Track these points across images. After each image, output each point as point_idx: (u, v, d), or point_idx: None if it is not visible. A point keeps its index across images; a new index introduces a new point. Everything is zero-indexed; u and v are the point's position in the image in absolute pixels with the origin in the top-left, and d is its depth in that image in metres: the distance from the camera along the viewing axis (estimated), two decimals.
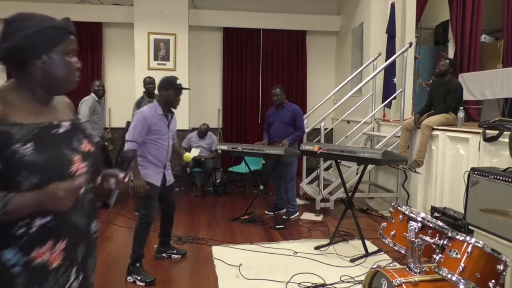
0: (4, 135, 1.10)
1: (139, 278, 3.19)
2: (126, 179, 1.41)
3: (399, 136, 5.03)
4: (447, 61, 4.68)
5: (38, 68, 1.20)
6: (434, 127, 4.47)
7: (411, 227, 2.34)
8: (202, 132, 6.34)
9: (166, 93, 3.29)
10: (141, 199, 3.31)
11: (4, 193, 1.10)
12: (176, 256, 3.69)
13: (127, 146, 3.21)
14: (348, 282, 3.18)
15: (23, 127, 1.15)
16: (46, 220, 1.17)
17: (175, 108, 3.38)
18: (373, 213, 5.18)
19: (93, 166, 1.31)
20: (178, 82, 3.32)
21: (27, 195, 1.11)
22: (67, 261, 1.22)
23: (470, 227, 3.02)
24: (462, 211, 3.25)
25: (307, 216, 5.07)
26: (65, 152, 1.22)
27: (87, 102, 5.27)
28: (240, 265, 3.49)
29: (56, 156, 1.19)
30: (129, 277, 3.24)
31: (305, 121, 5.13)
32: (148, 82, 5.53)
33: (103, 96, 5.57)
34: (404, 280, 2.15)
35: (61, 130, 1.25)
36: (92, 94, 5.41)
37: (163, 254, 3.70)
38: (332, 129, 7.22)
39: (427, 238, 2.27)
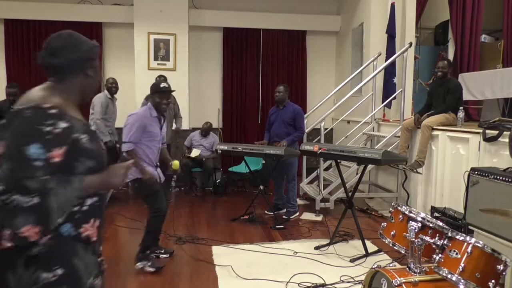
0: (69, 124, 1.31)
1: (150, 263, 3.31)
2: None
3: (399, 136, 5.03)
4: (445, 62, 4.68)
5: (83, 78, 1.47)
6: (434, 127, 4.47)
7: (411, 227, 2.34)
8: (205, 130, 6.35)
9: (152, 98, 3.38)
10: (147, 195, 3.37)
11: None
12: (164, 255, 3.68)
13: (125, 147, 3.27)
14: (348, 282, 3.18)
15: (78, 121, 1.37)
16: (94, 200, 1.40)
17: (163, 112, 3.43)
18: (373, 213, 5.18)
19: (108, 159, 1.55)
20: (161, 85, 3.37)
21: (95, 176, 1.37)
22: (99, 237, 1.45)
23: (470, 227, 3.02)
24: (462, 211, 3.25)
25: (307, 216, 5.07)
26: (101, 143, 1.49)
27: (100, 99, 5.22)
28: (240, 265, 3.49)
29: (100, 146, 1.45)
30: (138, 263, 3.33)
31: (305, 121, 5.13)
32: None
33: (116, 93, 5.49)
34: (404, 280, 2.15)
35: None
36: (105, 91, 5.36)
37: (151, 254, 3.65)
38: (332, 129, 7.22)
39: (427, 238, 2.27)
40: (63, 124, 1.29)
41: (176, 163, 3.46)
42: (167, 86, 3.39)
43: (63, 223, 1.31)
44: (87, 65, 1.48)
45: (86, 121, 1.51)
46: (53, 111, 1.29)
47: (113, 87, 5.40)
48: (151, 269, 3.31)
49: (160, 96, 3.34)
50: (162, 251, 3.71)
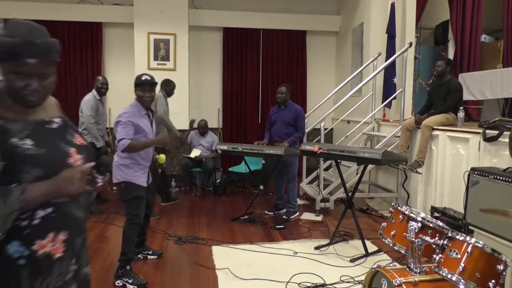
0: (1, 129, 1.14)
1: (130, 281, 3.09)
2: (101, 183, 1.38)
3: (399, 136, 5.03)
4: (443, 60, 4.67)
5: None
6: (434, 127, 4.47)
7: (411, 227, 2.34)
8: (202, 127, 6.34)
9: (135, 92, 3.23)
10: (129, 200, 3.20)
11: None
12: (152, 256, 3.64)
13: (122, 144, 3.07)
14: (348, 282, 3.18)
15: (17, 123, 1.19)
16: (48, 212, 1.21)
17: (146, 106, 3.26)
18: (373, 213, 5.18)
19: (88, 159, 1.35)
20: (143, 78, 3.23)
21: (42, 183, 1.17)
22: (68, 252, 1.27)
23: (470, 227, 3.02)
24: (462, 211, 3.25)
25: (307, 216, 5.07)
26: (62, 145, 1.28)
27: (89, 101, 4.91)
28: (240, 265, 3.49)
29: (54, 149, 1.24)
30: (117, 281, 3.11)
31: (305, 121, 5.13)
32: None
33: (105, 94, 5.18)
34: (404, 280, 2.14)
35: (54, 125, 1.32)
36: (94, 92, 5.02)
37: (139, 256, 3.61)
38: (332, 129, 7.22)
39: (427, 238, 2.27)
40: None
41: (162, 157, 3.37)
42: (149, 78, 3.24)
43: (7, 242, 1.15)
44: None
45: (42, 119, 1.30)
46: None
47: (103, 88, 5.04)
48: (132, 287, 3.08)
49: (142, 89, 3.19)
50: (150, 252, 3.65)
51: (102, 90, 5.07)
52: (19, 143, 1.16)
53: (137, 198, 3.20)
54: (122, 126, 3.14)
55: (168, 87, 5.36)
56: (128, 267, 3.16)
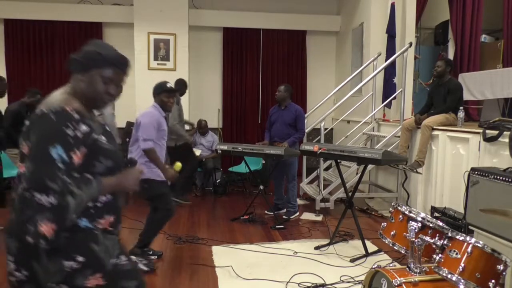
0: (89, 126, 1.40)
1: (145, 262, 3.34)
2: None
3: (399, 136, 5.03)
4: (443, 61, 4.68)
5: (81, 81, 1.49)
6: (434, 127, 4.47)
7: (411, 227, 2.34)
8: (202, 127, 6.35)
9: (159, 98, 3.52)
10: (156, 198, 3.42)
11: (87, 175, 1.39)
12: (152, 257, 3.65)
13: (147, 145, 3.30)
14: (348, 282, 3.18)
15: (95, 123, 1.48)
16: (109, 198, 1.49)
17: (170, 111, 3.66)
18: (373, 213, 5.18)
19: None
20: (168, 85, 3.56)
21: (111, 178, 1.46)
22: (116, 228, 1.54)
23: (470, 227, 3.02)
24: (462, 211, 3.25)
25: (307, 216, 5.07)
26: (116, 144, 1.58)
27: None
28: (240, 265, 3.49)
29: (116, 146, 1.55)
30: (133, 257, 3.22)
31: (305, 121, 5.13)
32: None
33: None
34: (404, 280, 2.14)
35: (106, 127, 1.60)
36: None
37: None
38: (332, 129, 7.22)
39: (427, 238, 2.27)
40: (84, 127, 1.38)
41: (178, 165, 3.44)
42: (172, 86, 3.62)
43: (79, 218, 1.39)
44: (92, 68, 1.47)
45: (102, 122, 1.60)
46: (75, 114, 1.37)
47: None
48: (145, 268, 3.30)
49: (167, 96, 3.52)
50: (151, 253, 3.66)
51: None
52: (98, 138, 1.43)
53: (163, 193, 3.47)
54: (147, 127, 3.37)
55: (183, 87, 5.66)
56: (146, 249, 3.48)
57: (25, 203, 1.24)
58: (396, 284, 2.13)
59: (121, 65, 1.51)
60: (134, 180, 1.53)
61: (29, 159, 1.29)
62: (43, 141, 1.29)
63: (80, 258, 1.38)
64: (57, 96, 1.44)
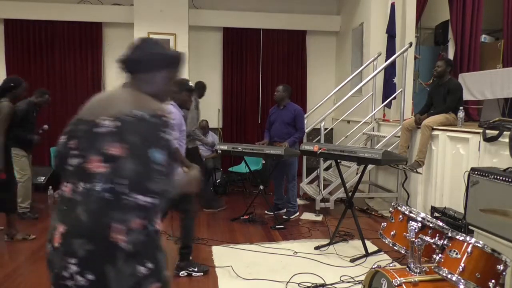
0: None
1: (196, 269, 3.32)
2: None
3: (399, 136, 5.02)
4: (443, 61, 4.67)
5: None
6: (434, 127, 4.47)
7: (411, 227, 2.34)
8: (204, 128, 6.35)
9: (179, 95, 3.44)
10: (182, 199, 3.31)
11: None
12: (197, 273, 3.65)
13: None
14: (348, 282, 3.18)
15: None
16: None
17: (188, 109, 3.72)
18: (373, 213, 5.18)
19: None
20: (190, 84, 3.58)
21: (182, 179, 1.51)
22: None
23: (470, 227, 3.02)
24: (462, 211, 3.25)
25: (307, 216, 5.07)
26: None
27: None
28: (240, 265, 3.49)
29: None
30: (182, 272, 3.29)
31: (305, 121, 5.13)
32: None
33: None
34: (404, 280, 2.15)
35: None
36: None
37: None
38: (332, 129, 7.22)
39: (427, 238, 2.27)
40: (173, 132, 1.45)
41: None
42: (192, 86, 3.66)
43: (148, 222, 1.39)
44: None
45: None
46: (170, 120, 1.44)
47: None
48: (200, 274, 3.30)
49: (188, 95, 3.53)
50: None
51: None
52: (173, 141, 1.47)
53: (187, 195, 3.38)
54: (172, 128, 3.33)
55: (203, 90, 5.74)
56: (191, 257, 3.38)
57: (117, 204, 1.28)
58: (396, 284, 2.13)
59: (180, 63, 1.57)
60: (197, 181, 1.58)
61: (129, 160, 1.31)
62: (146, 145, 1.33)
63: (150, 265, 1.37)
64: (129, 97, 1.45)
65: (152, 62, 1.49)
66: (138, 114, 1.37)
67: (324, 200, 5.27)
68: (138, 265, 1.34)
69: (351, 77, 6.27)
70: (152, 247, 1.40)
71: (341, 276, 3.25)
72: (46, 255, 1.39)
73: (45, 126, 4.97)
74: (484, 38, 6.50)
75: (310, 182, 6.09)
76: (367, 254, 3.70)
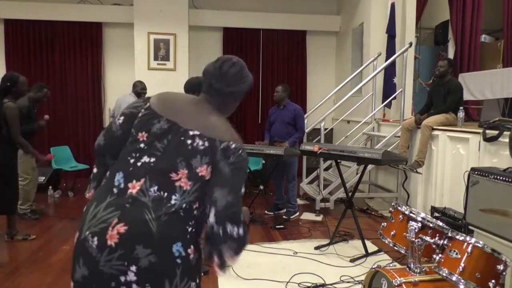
0: None
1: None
2: None
3: (399, 136, 5.02)
4: (445, 61, 4.68)
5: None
6: (434, 127, 4.47)
7: (411, 227, 2.34)
8: None
9: (192, 94, 3.37)
10: None
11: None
12: None
13: None
14: (348, 282, 3.18)
15: None
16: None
17: None
18: (373, 213, 5.18)
19: None
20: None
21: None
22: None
23: (470, 227, 3.02)
24: (462, 211, 3.25)
25: (307, 216, 5.07)
26: None
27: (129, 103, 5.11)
28: (240, 265, 3.48)
29: None
30: None
31: (305, 121, 5.13)
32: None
33: None
34: (404, 280, 2.14)
35: None
36: (133, 94, 5.45)
37: None
38: (332, 129, 7.22)
39: (427, 238, 2.27)
40: None
41: None
42: None
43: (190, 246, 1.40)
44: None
45: None
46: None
47: (142, 93, 5.43)
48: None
49: (198, 92, 3.45)
50: None
51: (142, 95, 5.38)
52: None
53: None
54: None
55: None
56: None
57: (189, 222, 1.33)
58: (396, 284, 2.13)
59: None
60: (247, 212, 1.62)
61: (222, 188, 1.35)
62: (241, 177, 1.40)
63: (197, 281, 1.40)
64: (223, 126, 1.45)
65: (240, 95, 1.57)
66: (238, 147, 1.40)
67: (324, 200, 5.27)
68: (191, 281, 1.37)
69: (351, 77, 6.27)
70: (198, 265, 1.41)
71: (341, 276, 3.25)
72: (82, 246, 1.30)
73: (46, 116, 4.90)
74: (484, 38, 6.50)
75: (310, 182, 6.09)
76: (367, 254, 3.70)
